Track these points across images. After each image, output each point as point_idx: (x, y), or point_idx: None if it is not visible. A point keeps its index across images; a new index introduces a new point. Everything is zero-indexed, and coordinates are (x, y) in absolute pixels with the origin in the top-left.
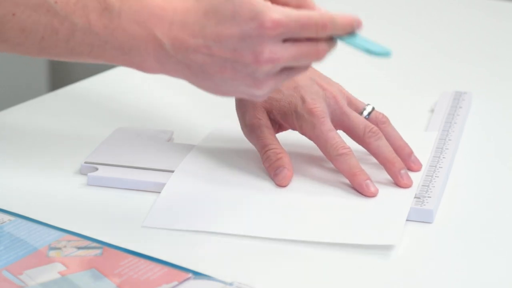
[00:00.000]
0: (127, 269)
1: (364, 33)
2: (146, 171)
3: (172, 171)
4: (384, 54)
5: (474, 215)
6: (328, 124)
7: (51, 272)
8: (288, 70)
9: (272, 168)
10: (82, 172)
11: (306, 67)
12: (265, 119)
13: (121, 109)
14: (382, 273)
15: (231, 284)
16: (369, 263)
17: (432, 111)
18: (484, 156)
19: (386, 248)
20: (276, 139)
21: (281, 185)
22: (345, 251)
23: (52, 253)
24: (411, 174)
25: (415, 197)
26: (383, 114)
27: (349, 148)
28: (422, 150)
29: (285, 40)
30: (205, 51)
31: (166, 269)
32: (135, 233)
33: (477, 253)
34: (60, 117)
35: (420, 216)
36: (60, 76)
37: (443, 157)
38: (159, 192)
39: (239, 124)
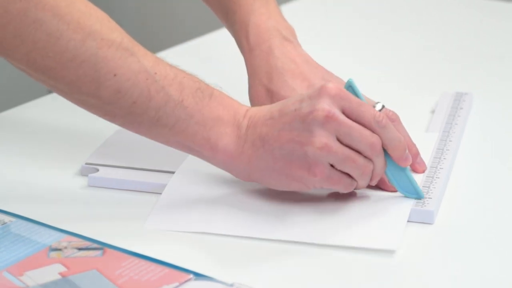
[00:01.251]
0: (128, 270)
1: (365, 34)
2: (147, 172)
3: (173, 172)
4: (417, 197)
5: (474, 216)
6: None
7: (52, 273)
8: (338, 174)
9: None
10: (83, 173)
11: (348, 185)
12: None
13: None
14: (383, 274)
15: (231, 285)
16: (370, 263)
17: (432, 112)
18: (485, 157)
19: (386, 250)
20: None
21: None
22: (346, 252)
23: (53, 254)
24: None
25: (417, 199)
26: (393, 112)
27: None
28: (423, 151)
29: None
30: (269, 122)
31: (167, 270)
32: (136, 234)
33: (477, 254)
34: (61, 119)
35: (421, 217)
36: None
37: (444, 158)
38: (160, 193)
39: None
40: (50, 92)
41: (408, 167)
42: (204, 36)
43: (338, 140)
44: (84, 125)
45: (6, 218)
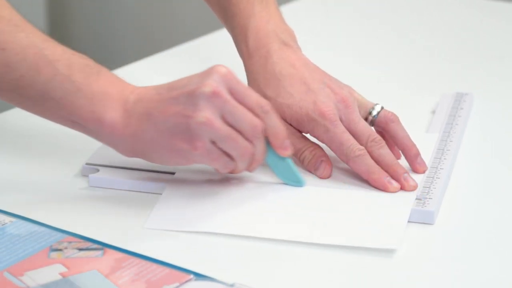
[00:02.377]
0: (128, 270)
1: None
2: (147, 173)
3: (173, 173)
4: (298, 184)
5: (475, 216)
6: (341, 126)
7: (52, 274)
8: (218, 152)
9: (311, 166)
10: (84, 173)
11: (226, 164)
12: (287, 126)
13: None
14: (383, 274)
15: (232, 285)
16: (370, 263)
17: (433, 112)
18: (485, 157)
19: (387, 249)
20: (304, 137)
21: (324, 177)
22: (346, 252)
23: (53, 255)
24: (413, 175)
25: (416, 199)
26: (392, 113)
27: (364, 149)
28: (423, 151)
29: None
30: (157, 97)
31: (167, 270)
32: (137, 235)
33: (478, 254)
34: None
35: (421, 217)
36: None
37: (444, 159)
38: (160, 194)
39: None
40: None
41: (289, 156)
42: (204, 37)
43: (222, 119)
44: None
45: (7, 219)
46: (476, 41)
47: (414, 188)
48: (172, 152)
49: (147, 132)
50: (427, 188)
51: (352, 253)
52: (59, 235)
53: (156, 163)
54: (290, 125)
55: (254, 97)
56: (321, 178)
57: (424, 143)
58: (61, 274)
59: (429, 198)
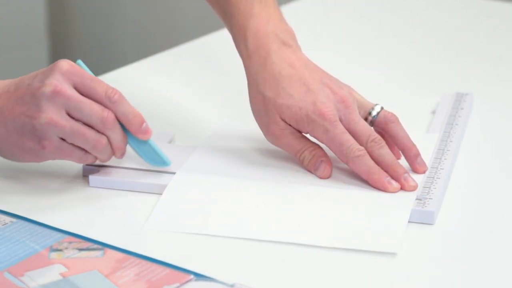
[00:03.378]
0: (128, 270)
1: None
2: (148, 173)
3: (174, 173)
4: (164, 165)
5: (475, 217)
6: (340, 127)
7: (53, 274)
8: (69, 147)
9: (311, 166)
10: (84, 173)
11: (81, 157)
12: (287, 127)
13: None
14: (383, 274)
15: (232, 285)
16: (370, 264)
17: (433, 112)
18: (486, 158)
19: (388, 252)
20: (304, 137)
21: (324, 177)
22: (347, 253)
23: (53, 255)
24: (414, 175)
25: (416, 199)
26: (392, 113)
27: (363, 149)
28: (423, 151)
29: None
30: (5, 96)
31: (167, 270)
32: (137, 235)
33: (478, 255)
34: None
35: (422, 217)
36: None
37: (445, 159)
38: (161, 194)
39: (240, 124)
40: None
41: (151, 138)
42: (204, 37)
43: (69, 114)
44: None
45: (7, 219)
46: (476, 41)
47: (414, 188)
48: (23, 150)
49: None
50: (427, 188)
51: (352, 253)
52: (59, 235)
53: (10, 159)
54: (290, 125)
55: (101, 88)
56: (321, 178)
57: (424, 143)
58: (61, 274)
59: (429, 198)
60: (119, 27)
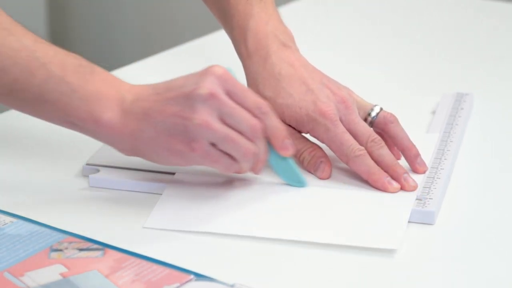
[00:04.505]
0: (128, 270)
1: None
2: (148, 173)
3: (173, 173)
4: (300, 185)
5: (475, 217)
6: (341, 126)
7: (53, 274)
8: (218, 153)
9: (311, 167)
10: (84, 173)
11: (228, 165)
12: (286, 127)
13: None
14: (383, 274)
15: (232, 285)
16: (370, 264)
17: (433, 112)
18: (486, 158)
19: (388, 249)
20: (303, 138)
21: (323, 178)
22: (347, 253)
23: (53, 255)
24: (414, 175)
25: (416, 199)
26: (391, 114)
27: (364, 149)
28: (423, 151)
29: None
30: (154, 97)
31: (167, 270)
32: (137, 235)
33: (478, 255)
34: None
35: (422, 217)
36: None
37: (445, 159)
38: (160, 194)
39: None
40: None
41: (291, 156)
42: (204, 37)
43: (221, 121)
44: None
45: (7, 219)
46: (476, 41)
47: (414, 188)
48: (171, 152)
49: (145, 131)
50: (428, 189)
51: (352, 253)
52: (60, 235)
53: (156, 163)
54: (289, 125)
55: (252, 98)
56: (320, 178)
57: (424, 143)
58: (61, 274)
59: (430, 199)
60: (119, 28)
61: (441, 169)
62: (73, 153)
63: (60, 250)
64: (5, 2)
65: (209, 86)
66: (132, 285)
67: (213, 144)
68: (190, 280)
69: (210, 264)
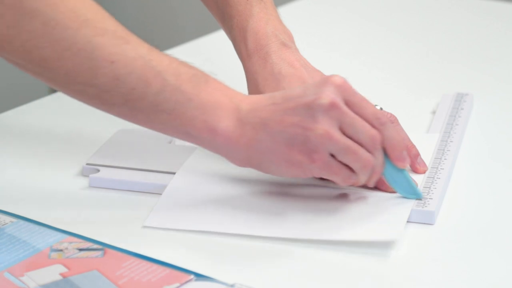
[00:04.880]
0: (128, 270)
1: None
2: (148, 173)
3: (174, 173)
4: (416, 197)
5: (475, 217)
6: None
7: (53, 274)
8: (337, 164)
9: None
10: (84, 173)
11: (347, 177)
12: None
13: None
14: (383, 275)
15: (232, 285)
16: (370, 264)
17: (433, 112)
18: (486, 158)
19: (388, 248)
20: None
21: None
22: (347, 252)
23: (53, 255)
24: (414, 176)
25: (416, 199)
26: (391, 114)
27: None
28: (423, 151)
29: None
30: (272, 107)
31: (167, 270)
32: (137, 235)
33: (478, 255)
34: (62, 119)
35: (422, 217)
36: None
37: (445, 159)
38: (161, 194)
39: None
40: (50, 93)
41: (407, 168)
42: (204, 37)
43: (341, 131)
44: (85, 125)
45: (7, 219)
46: (476, 42)
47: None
48: (289, 163)
49: (263, 142)
50: (428, 188)
51: (352, 253)
52: (60, 235)
53: (273, 174)
54: None
55: (370, 108)
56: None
57: (425, 143)
58: (61, 274)
59: (430, 198)
60: None
61: (441, 169)
62: (73, 153)
63: (60, 250)
64: None
65: (330, 96)
66: (132, 285)
67: (333, 155)
68: (190, 280)
69: (210, 264)
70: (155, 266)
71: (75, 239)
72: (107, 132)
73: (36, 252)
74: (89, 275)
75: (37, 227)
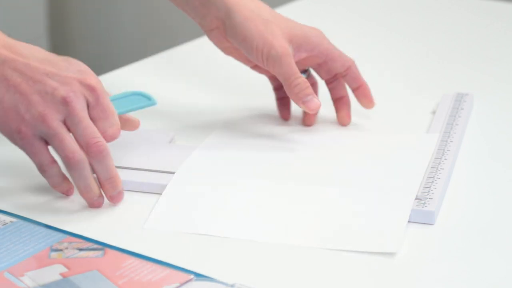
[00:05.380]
0: (128, 270)
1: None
2: (148, 173)
3: (173, 173)
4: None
5: (475, 217)
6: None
7: (53, 274)
8: (42, 148)
9: (302, 95)
10: None
11: (42, 162)
12: (289, 45)
13: None
14: (383, 275)
15: (232, 286)
16: (370, 264)
17: (433, 112)
18: (486, 158)
19: (386, 252)
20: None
21: (311, 111)
22: (346, 252)
23: (53, 255)
24: (412, 177)
25: (416, 199)
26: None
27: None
28: (423, 151)
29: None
30: (23, 68)
31: (168, 270)
32: (137, 235)
33: (478, 255)
34: None
35: (422, 217)
36: None
37: (445, 159)
38: (160, 194)
39: (240, 123)
40: None
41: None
42: (204, 37)
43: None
44: None
45: (7, 219)
46: (476, 42)
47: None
48: (3, 124)
49: None
50: (428, 188)
51: (352, 253)
52: (60, 235)
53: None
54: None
55: (92, 129)
56: (308, 111)
57: (425, 143)
58: (61, 274)
59: (430, 198)
60: (119, 28)
61: (441, 169)
62: None
63: (60, 250)
64: (5, 2)
65: (72, 91)
66: (132, 285)
67: (42, 139)
68: (190, 280)
69: (210, 263)
70: (155, 266)
71: (75, 239)
72: None
73: (36, 252)
74: (89, 275)
75: (37, 227)
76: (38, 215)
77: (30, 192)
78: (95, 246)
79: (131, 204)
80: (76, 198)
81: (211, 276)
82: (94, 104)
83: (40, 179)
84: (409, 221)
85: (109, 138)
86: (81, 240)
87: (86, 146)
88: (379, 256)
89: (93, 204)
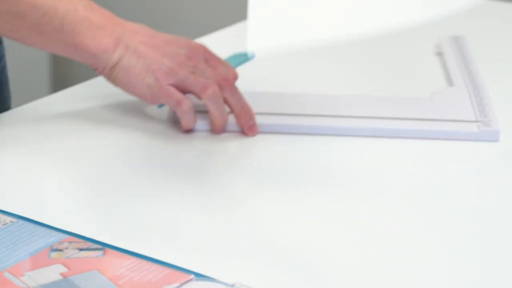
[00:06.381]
0: (128, 270)
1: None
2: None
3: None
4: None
5: (475, 217)
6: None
7: (53, 274)
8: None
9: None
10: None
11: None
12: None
13: (124, 110)
14: (383, 274)
15: (233, 286)
16: (370, 263)
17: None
18: (485, 158)
19: (387, 247)
20: None
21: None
22: (346, 252)
23: (53, 255)
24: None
25: (477, 121)
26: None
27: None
28: (463, 102)
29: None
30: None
31: (168, 270)
32: (137, 235)
33: (478, 255)
34: (62, 119)
35: (488, 136)
36: (62, 77)
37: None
38: (161, 194)
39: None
40: (51, 93)
41: None
42: (204, 37)
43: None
44: (85, 125)
45: (7, 219)
46: (476, 42)
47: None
48: (142, 81)
49: (130, 61)
50: (483, 112)
51: (352, 254)
52: (60, 235)
53: (124, 88)
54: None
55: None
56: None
57: (459, 95)
58: (61, 274)
59: (489, 120)
60: None
61: (482, 97)
62: (73, 153)
63: (60, 250)
64: None
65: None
66: (132, 285)
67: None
68: (190, 280)
69: (210, 263)
70: (155, 266)
71: (75, 239)
72: (107, 132)
73: (36, 252)
74: (89, 275)
75: (37, 227)
76: (38, 215)
77: (30, 192)
78: (95, 246)
79: (131, 204)
80: (76, 198)
81: (211, 276)
82: (209, 58)
83: (40, 179)
84: (476, 140)
85: (233, 77)
86: (81, 240)
87: (218, 82)
88: (379, 255)
89: (222, 127)
